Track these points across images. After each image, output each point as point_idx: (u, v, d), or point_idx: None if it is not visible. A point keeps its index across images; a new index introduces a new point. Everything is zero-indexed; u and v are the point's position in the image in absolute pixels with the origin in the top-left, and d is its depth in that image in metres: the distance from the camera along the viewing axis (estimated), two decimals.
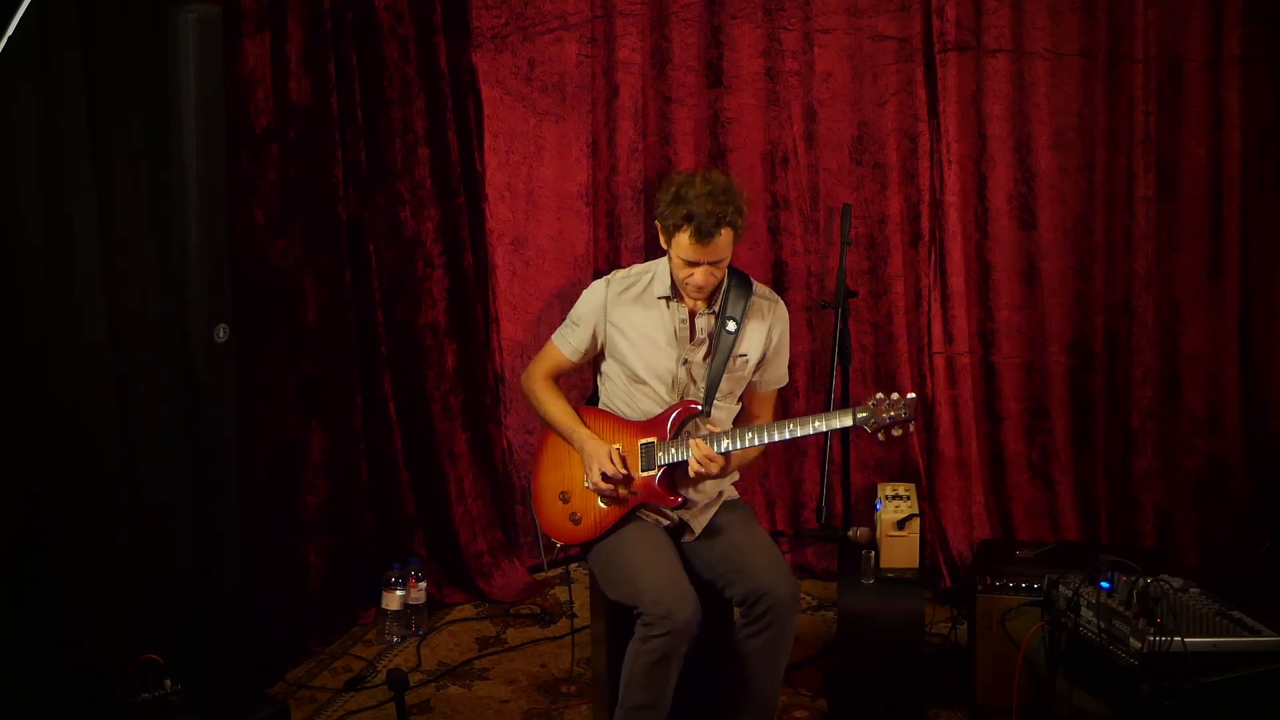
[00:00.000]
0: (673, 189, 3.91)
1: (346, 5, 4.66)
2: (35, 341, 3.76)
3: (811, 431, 3.94)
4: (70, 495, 3.86)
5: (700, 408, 4.00)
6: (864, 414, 3.87)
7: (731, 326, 3.99)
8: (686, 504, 4.03)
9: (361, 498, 4.89)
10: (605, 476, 3.97)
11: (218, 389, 3.77)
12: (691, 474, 3.94)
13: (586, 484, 4.04)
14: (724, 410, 4.07)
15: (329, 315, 4.69)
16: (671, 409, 4.02)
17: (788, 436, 3.94)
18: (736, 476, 4.20)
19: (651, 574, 3.87)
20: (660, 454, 3.99)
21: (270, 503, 4.54)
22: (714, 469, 3.92)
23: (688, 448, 3.93)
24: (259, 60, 4.35)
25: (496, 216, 5.15)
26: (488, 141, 5.10)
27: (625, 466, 3.99)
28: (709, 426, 3.99)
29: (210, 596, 3.86)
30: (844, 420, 3.90)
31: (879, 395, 3.87)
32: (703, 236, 3.84)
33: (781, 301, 4.13)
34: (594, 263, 5.17)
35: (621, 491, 4.00)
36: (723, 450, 3.92)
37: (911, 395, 3.87)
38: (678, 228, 3.87)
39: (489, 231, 5.14)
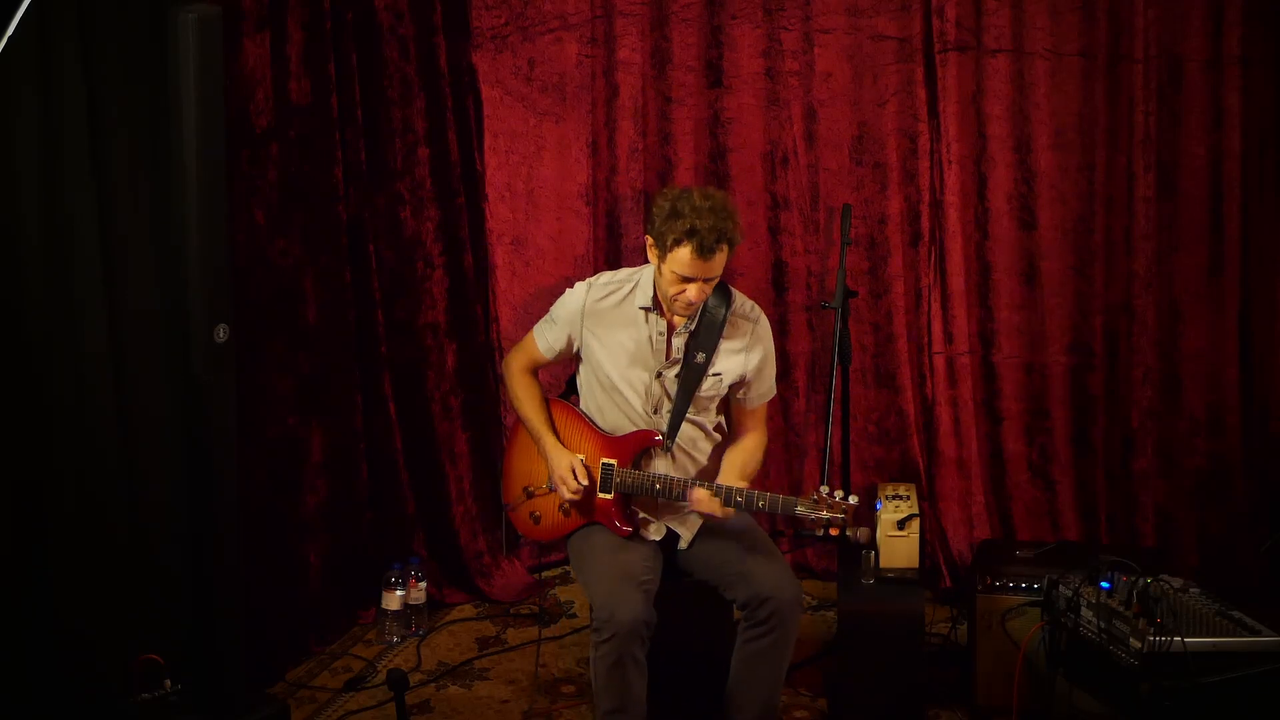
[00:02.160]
0: (668, 203, 3.87)
1: (346, 5, 4.65)
2: (35, 341, 3.76)
3: (755, 506, 3.89)
4: (70, 495, 3.86)
5: (660, 438, 4.00)
6: (804, 508, 3.85)
7: (700, 358, 3.99)
8: (636, 534, 4.05)
9: (361, 498, 4.89)
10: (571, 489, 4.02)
11: (218, 389, 3.77)
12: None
13: (549, 486, 4.09)
14: (695, 426, 4.05)
15: (329, 315, 4.69)
16: (633, 435, 4.03)
17: (748, 504, 3.90)
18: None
19: (602, 579, 3.91)
20: (617, 479, 4.00)
21: (270, 503, 4.54)
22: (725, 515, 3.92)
23: (647, 483, 3.96)
24: (259, 60, 4.35)
25: (496, 216, 5.15)
26: (488, 141, 5.10)
27: (589, 477, 4.02)
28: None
29: (210, 596, 3.87)
30: (788, 507, 3.86)
31: (824, 490, 3.83)
32: (704, 252, 3.80)
33: (764, 318, 4.09)
34: (594, 263, 5.17)
35: (582, 500, 4.04)
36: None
37: (854, 499, 3.84)
38: (678, 243, 3.82)
39: (489, 231, 5.14)
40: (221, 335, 3.73)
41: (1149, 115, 4.79)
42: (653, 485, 3.96)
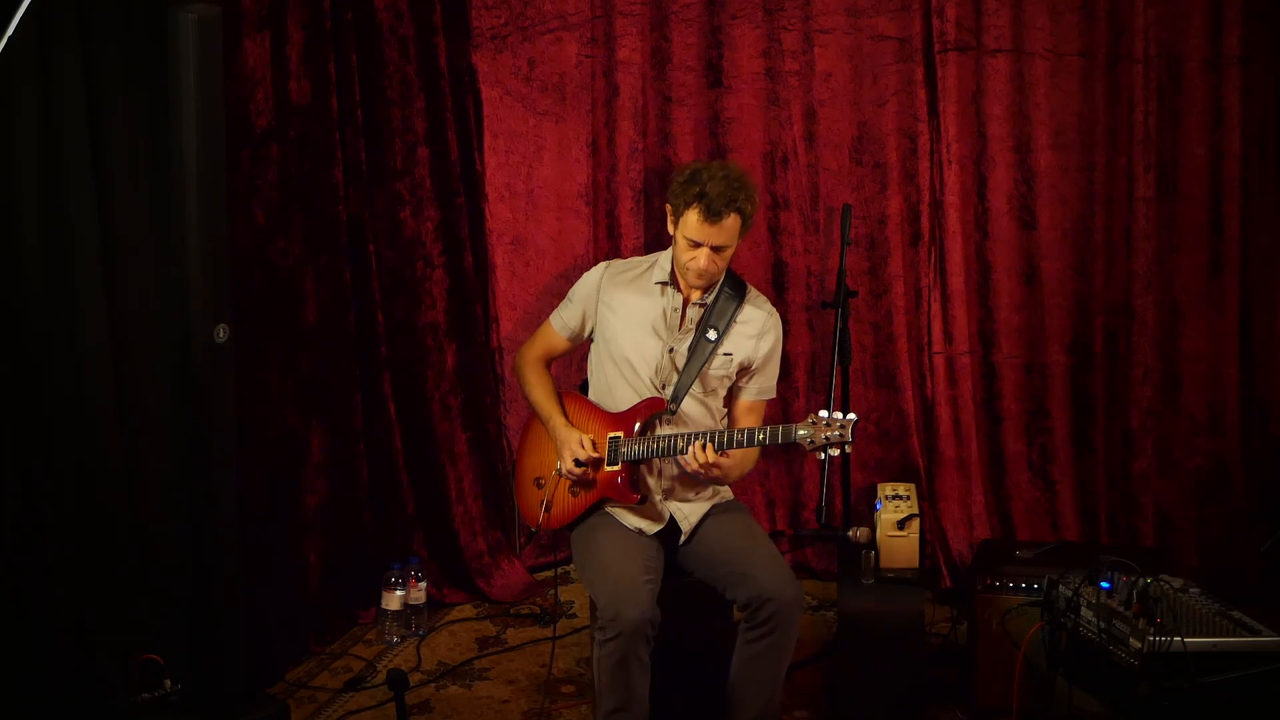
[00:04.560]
0: (689, 170, 4.00)
1: (346, 5, 4.65)
2: (35, 342, 3.75)
3: (757, 441, 3.93)
4: (70, 495, 3.86)
5: (668, 405, 4.03)
6: (805, 431, 3.88)
7: (712, 335, 4.03)
8: (644, 500, 4.07)
9: (361, 498, 4.89)
10: (577, 461, 4.03)
11: (218, 389, 3.77)
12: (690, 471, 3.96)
13: (558, 472, 4.10)
14: (698, 405, 4.08)
15: (329, 315, 4.69)
16: (639, 405, 4.05)
17: (749, 441, 3.94)
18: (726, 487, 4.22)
19: (607, 577, 3.93)
20: (624, 449, 4.02)
21: (270, 503, 4.54)
22: (713, 472, 3.93)
23: (653, 446, 3.98)
24: (259, 60, 4.35)
25: (496, 216, 5.15)
26: (488, 141, 5.10)
27: (595, 449, 4.04)
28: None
29: (210, 596, 3.87)
30: (789, 434, 3.90)
31: (822, 413, 3.88)
32: (711, 215, 3.90)
33: (777, 316, 4.16)
34: (594, 263, 5.15)
35: (592, 474, 4.05)
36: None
37: (852, 416, 3.87)
38: (688, 205, 3.94)
39: (489, 231, 5.14)
40: (221, 335, 3.73)
41: (1149, 115, 4.79)
42: (656, 446, 3.99)
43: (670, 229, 4.04)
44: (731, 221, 3.93)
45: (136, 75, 3.89)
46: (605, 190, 5.18)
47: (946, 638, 4.69)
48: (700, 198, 3.91)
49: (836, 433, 3.85)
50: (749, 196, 3.96)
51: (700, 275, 4.01)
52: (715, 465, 3.91)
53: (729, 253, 4.01)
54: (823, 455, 3.89)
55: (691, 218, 3.93)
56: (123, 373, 3.95)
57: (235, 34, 4.23)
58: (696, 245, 3.96)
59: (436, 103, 4.92)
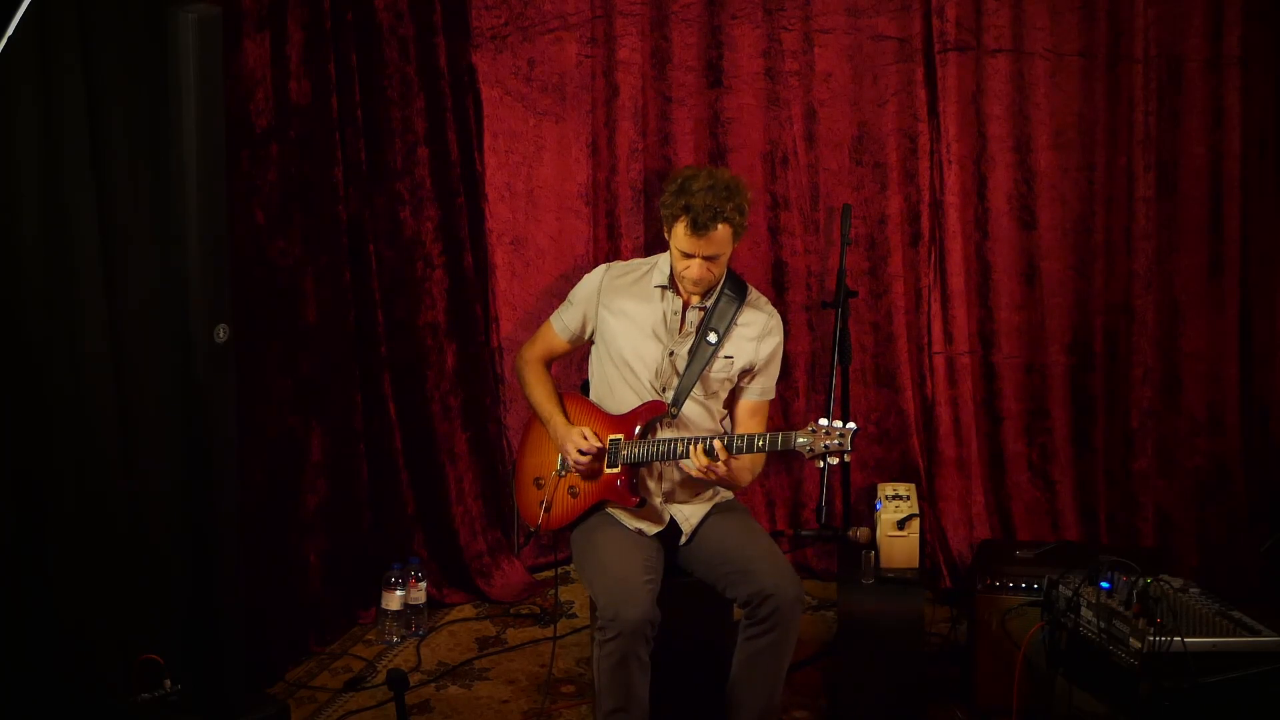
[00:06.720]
0: (678, 180, 3.98)
1: (346, 5, 4.65)
2: (35, 341, 3.76)
3: (757, 447, 3.93)
4: (70, 495, 3.86)
5: (668, 409, 4.03)
6: (804, 439, 3.87)
7: (712, 338, 4.03)
8: (643, 504, 4.07)
9: (361, 498, 4.89)
10: (582, 452, 4.03)
11: (218, 389, 3.77)
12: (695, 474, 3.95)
13: (558, 472, 4.10)
14: (699, 408, 4.08)
15: (329, 315, 4.69)
16: (640, 409, 4.05)
17: (748, 447, 3.94)
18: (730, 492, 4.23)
19: (607, 577, 3.93)
20: (624, 452, 4.02)
21: (270, 503, 4.54)
22: (717, 471, 3.92)
23: (653, 449, 3.98)
24: (259, 60, 4.35)
25: (496, 216, 5.15)
26: (487, 141, 5.10)
27: (599, 439, 4.04)
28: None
29: (210, 596, 3.86)
30: (789, 441, 3.90)
31: (822, 421, 3.87)
32: (697, 229, 3.89)
33: (779, 317, 4.15)
34: (594, 263, 5.16)
35: (596, 464, 4.05)
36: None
37: (852, 425, 3.86)
38: (675, 217, 3.93)
39: (489, 231, 5.14)
40: (221, 335, 3.73)
41: (1149, 115, 4.80)
42: (656, 450, 3.98)
43: (665, 235, 4.04)
44: (720, 232, 3.92)
45: (136, 75, 3.89)
46: (605, 190, 5.18)
47: (946, 638, 4.69)
48: (686, 210, 3.89)
49: (836, 441, 3.85)
50: (738, 205, 3.93)
51: (695, 284, 4.01)
52: (722, 467, 3.90)
53: (723, 260, 4.00)
54: (821, 464, 3.88)
55: (680, 230, 3.93)
56: (123, 373, 3.95)
57: (235, 34, 4.23)
58: (688, 256, 3.96)
59: (436, 103, 4.92)
